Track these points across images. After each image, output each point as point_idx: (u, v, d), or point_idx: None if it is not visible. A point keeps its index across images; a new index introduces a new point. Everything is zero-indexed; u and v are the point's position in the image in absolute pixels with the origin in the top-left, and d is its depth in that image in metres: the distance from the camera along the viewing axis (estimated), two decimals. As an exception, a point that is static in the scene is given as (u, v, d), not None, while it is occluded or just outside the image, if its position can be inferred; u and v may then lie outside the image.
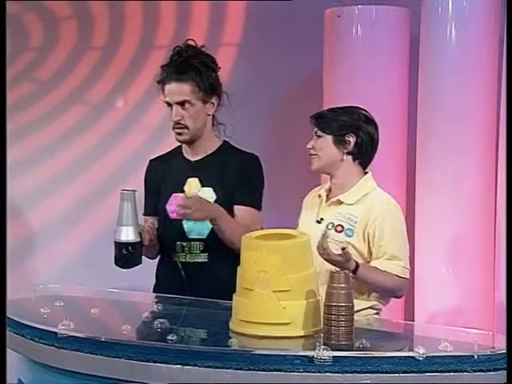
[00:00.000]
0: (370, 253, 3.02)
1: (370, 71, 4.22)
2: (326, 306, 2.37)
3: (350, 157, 3.08)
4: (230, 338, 2.47)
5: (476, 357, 2.28)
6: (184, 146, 3.38)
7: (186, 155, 3.38)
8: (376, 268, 2.98)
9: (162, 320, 2.63)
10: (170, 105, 3.26)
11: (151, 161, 3.48)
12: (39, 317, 2.71)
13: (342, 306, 2.35)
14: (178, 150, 3.42)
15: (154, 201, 3.37)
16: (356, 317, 2.43)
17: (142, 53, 4.87)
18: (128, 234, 3.03)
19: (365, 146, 3.08)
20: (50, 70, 4.90)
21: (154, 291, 3.40)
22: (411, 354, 2.27)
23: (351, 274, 2.74)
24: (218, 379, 2.25)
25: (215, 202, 3.25)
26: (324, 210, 3.12)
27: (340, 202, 3.08)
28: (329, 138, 3.07)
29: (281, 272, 2.49)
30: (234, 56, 4.85)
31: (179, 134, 3.28)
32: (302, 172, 4.53)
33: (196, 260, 3.28)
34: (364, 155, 3.10)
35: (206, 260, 3.26)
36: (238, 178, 3.28)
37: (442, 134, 4.05)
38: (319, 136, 3.09)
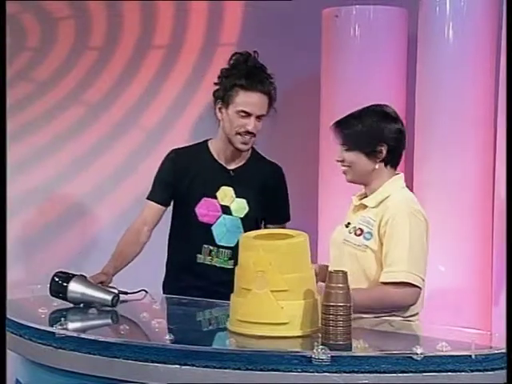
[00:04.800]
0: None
1: (368, 71, 4.22)
2: (324, 306, 2.37)
3: (382, 164, 2.98)
4: (227, 337, 2.47)
5: (474, 357, 2.27)
6: (217, 147, 3.35)
7: (219, 160, 3.36)
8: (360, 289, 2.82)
9: (159, 320, 2.63)
10: (246, 113, 3.22)
11: (176, 152, 3.41)
12: (37, 317, 2.71)
13: (339, 305, 2.34)
14: (204, 148, 3.38)
15: (168, 193, 3.36)
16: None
17: (139, 53, 4.87)
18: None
19: (396, 149, 2.99)
20: (47, 70, 4.89)
21: (164, 286, 3.45)
22: (409, 353, 2.27)
23: None
24: (216, 379, 2.25)
25: (247, 213, 3.30)
26: (353, 214, 3.06)
27: (365, 206, 3.01)
28: (359, 152, 2.96)
29: (278, 272, 2.49)
30: (233, 56, 4.84)
31: (246, 143, 3.27)
32: (302, 172, 4.55)
33: (223, 266, 3.33)
34: (396, 158, 3.02)
35: (233, 267, 3.27)
36: (270, 193, 3.34)
37: (440, 134, 4.05)
38: (347, 150, 2.97)
